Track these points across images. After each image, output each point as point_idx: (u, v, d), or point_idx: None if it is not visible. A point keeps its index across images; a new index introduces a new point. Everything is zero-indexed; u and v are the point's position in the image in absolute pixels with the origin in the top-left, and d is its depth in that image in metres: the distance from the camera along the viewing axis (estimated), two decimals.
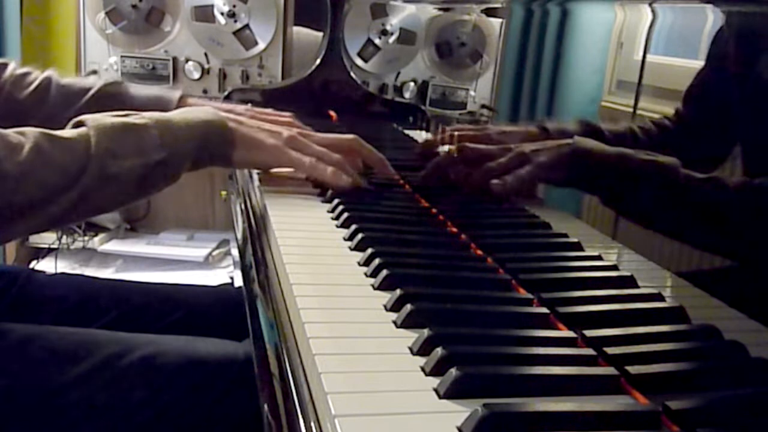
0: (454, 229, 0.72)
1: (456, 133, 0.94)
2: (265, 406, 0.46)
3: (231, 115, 0.79)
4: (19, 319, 0.76)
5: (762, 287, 0.54)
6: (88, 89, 0.98)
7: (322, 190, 0.81)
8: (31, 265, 1.93)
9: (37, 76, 0.97)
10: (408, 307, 0.49)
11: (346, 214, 0.71)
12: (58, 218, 0.64)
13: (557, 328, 0.51)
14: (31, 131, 0.63)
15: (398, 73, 1.85)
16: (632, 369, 0.44)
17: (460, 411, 0.39)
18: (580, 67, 0.90)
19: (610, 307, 0.54)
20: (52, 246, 1.96)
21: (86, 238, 1.98)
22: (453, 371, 0.41)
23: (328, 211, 0.75)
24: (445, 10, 1.83)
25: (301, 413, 0.42)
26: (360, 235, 0.65)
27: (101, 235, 2.01)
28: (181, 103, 1.00)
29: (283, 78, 1.89)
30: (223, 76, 1.88)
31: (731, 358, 0.49)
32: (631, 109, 0.74)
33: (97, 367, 0.68)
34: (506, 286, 0.58)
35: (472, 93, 1.67)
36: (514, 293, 0.57)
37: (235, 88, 1.49)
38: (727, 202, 0.59)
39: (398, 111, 1.49)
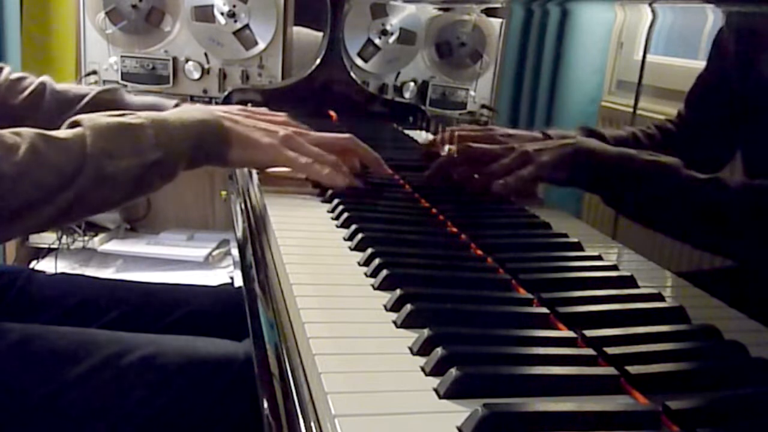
0: (454, 229, 0.72)
1: (458, 133, 0.94)
2: (265, 406, 0.46)
3: (226, 115, 0.79)
4: (19, 319, 0.76)
5: (762, 287, 0.54)
6: (83, 96, 0.98)
7: (321, 190, 0.81)
8: (31, 265, 1.93)
9: (32, 81, 0.97)
10: (408, 307, 0.49)
11: (346, 214, 0.71)
12: (54, 218, 0.64)
13: (557, 328, 0.51)
14: (27, 132, 0.63)
15: (398, 73, 1.85)
16: (632, 369, 0.44)
17: (460, 411, 0.39)
18: (580, 67, 0.90)
19: (610, 307, 0.54)
20: (52, 246, 1.96)
21: (86, 238, 1.98)
22: (453, 371, 0.41)
23: (328, 211, 0.75)
24: (445, 10, 1.83)
25: (301, 413, 0.42)
26: (360, 235, 0.65)
27: (101, 235, 2.01)
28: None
29: (283, 78, 1.89)
30: (223, 76, 1.88)
31: (731, 358, 0.49)
32: (631, 109, 0.73)
33: (97, 367, 0.68)
34: (506, 286, 0.58)
35: (472, 93, 1.67)
36: (514, 293, 0.57)
37: (235, 88, 1.48)
38: (728, 202, 0.59)
39: (398, 111, 1.49)
